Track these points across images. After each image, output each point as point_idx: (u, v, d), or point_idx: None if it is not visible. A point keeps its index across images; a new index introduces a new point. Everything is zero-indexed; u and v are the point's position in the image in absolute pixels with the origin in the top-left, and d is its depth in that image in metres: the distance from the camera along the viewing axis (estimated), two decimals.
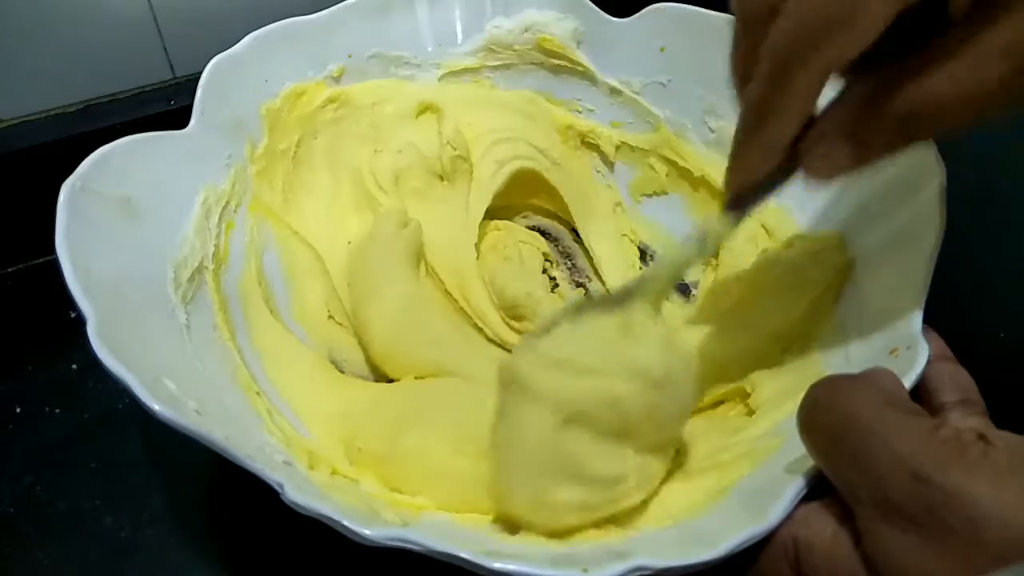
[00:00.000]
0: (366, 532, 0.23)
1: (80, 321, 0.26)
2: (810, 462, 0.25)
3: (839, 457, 0.23)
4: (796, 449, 0.26)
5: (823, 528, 0.23)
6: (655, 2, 0.42)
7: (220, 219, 0.37)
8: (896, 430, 0.22)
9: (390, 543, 0.23)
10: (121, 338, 0.26)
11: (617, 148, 0.46)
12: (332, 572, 0.33)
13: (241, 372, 0.33)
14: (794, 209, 0.38)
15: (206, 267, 0.35)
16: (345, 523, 0.23)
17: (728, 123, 0.41)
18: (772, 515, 0.24)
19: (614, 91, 0.45)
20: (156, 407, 0.24)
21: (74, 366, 0.41)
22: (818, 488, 0.24)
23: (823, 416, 0.24)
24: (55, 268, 0.28)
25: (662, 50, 0.42)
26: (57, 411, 0.39)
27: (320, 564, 0.33)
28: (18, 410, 0.39)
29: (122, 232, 0.31)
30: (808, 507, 0.24)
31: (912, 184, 0.31)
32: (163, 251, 0.33)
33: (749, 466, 0.28)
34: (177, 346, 0.30)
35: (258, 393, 0.32)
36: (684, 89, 0.42)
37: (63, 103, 0.46)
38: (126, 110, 0.46)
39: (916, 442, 0.21)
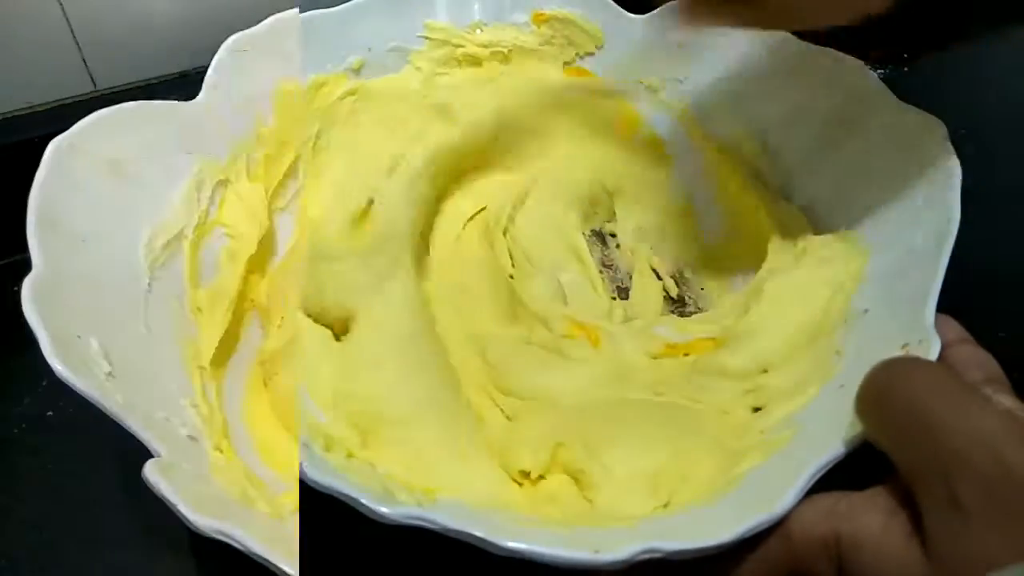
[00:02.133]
0: (382, 510, 0.23)
1: None
2: (821, 453, 0.25)
3: (910, 435, 0.22)
4: (808, 440, 0.26)
5: (870, 522, 0.22)
6: None
7: (213, 193, 0.37)
8: (977, 408, 0.21)
9: (406, 521, 0.23)
10: (61, 294, 0.27)
11: None
12: (333, 572, 0.33)
13: (192, 347, 0.33)
14: (809, 208, 0.39)
15: (185, 236, 0.35)
16: (363, 500, 0.24)
17: None
18: (782, 503, 0.24)
19: None
20: (56, 363, 0.25)
21: None
22: (826, 482, 0.24)
23: (895, 394, 0.23)
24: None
25: (680, 46, 0.43)
26: (48, 411, 0.39)
27: (320, 564, 0.33)
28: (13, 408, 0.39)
29: (103, 191, 0.32)
30: (850, 500, 0.23)
31: (929, 179, 0.32)
32: (141, 215, 0.33)
33: (760, 457, 0.28)
34: (128, 310, 0.30)
35: (201, 368, 0.32)
36: (702, 85, 0.43)
37: None
38: (46, 122, 0.44)
39: (996, 422, 0.21)
